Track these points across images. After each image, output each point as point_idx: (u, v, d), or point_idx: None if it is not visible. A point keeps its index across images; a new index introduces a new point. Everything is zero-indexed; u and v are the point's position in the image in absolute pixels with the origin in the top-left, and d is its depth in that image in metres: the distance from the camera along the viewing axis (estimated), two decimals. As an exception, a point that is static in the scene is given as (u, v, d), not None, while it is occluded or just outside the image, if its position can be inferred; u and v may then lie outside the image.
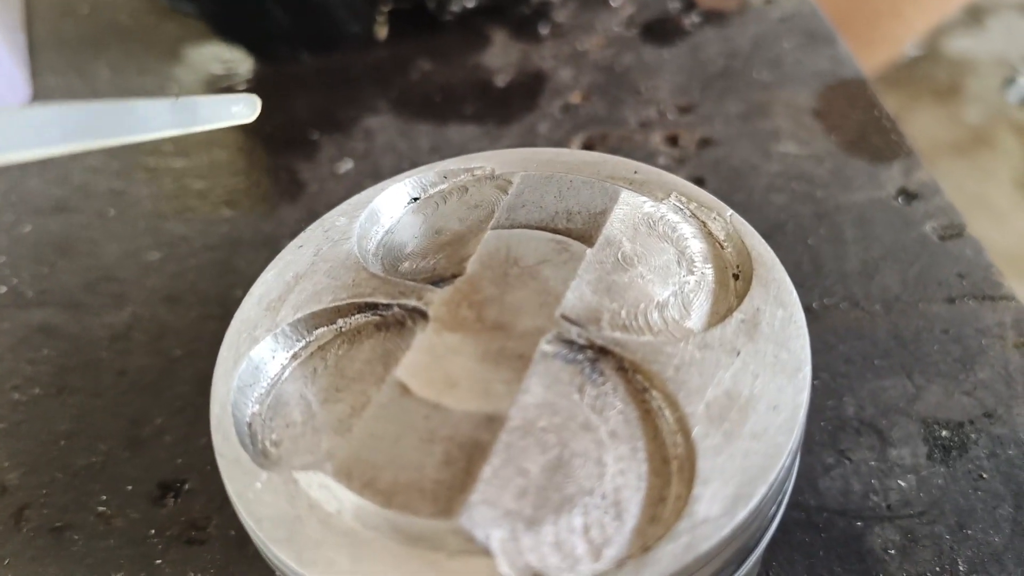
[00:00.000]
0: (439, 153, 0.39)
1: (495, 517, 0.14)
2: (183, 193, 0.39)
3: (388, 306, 0.19)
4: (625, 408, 0.16)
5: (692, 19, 0.45)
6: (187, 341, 0.31)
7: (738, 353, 0.16)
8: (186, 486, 0.27)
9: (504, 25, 0.47)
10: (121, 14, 0.53)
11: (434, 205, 0.22)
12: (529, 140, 0.39)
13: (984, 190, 1.17)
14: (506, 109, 0.41)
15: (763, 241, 0.19)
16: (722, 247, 0.19)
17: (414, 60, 0.45)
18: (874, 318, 0.29)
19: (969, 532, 0.24)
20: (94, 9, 0.54)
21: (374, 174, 0.38)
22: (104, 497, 0.27)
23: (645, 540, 0.14)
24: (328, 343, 0.19)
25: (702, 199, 0.20)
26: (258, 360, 0.18)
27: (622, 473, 0.15)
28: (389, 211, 0.22)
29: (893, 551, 0.23)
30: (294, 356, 0.19)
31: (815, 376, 0.28)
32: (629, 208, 0.20)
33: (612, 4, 0.47)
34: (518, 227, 0.19)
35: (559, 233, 0.19)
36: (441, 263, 0.20)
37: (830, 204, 0.34)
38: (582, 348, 0.17)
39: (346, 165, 0.39)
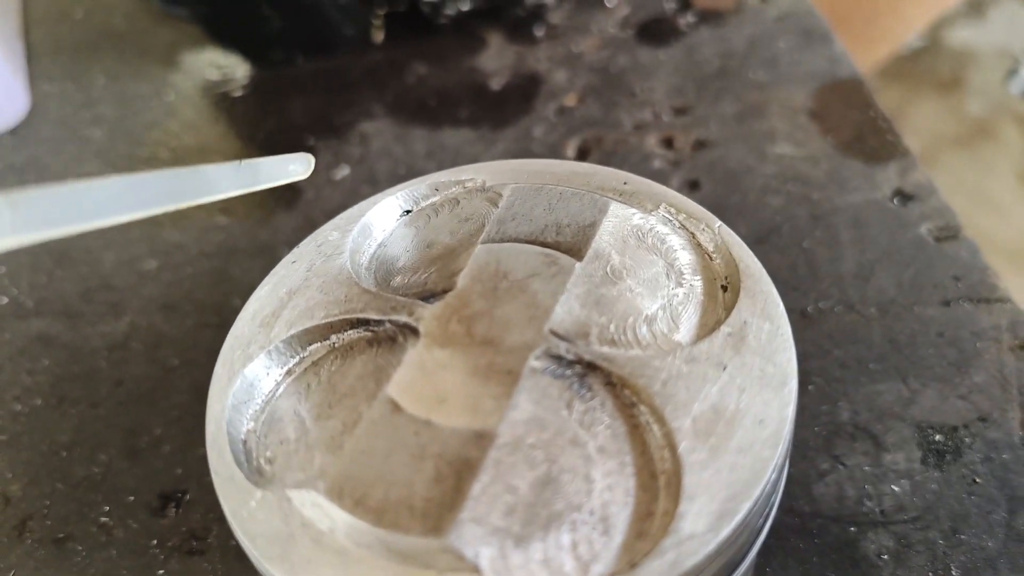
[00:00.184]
0: (434, 158, 0.39)
1: (484, 535, 0.14)
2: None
3: (380, 322, 0.19)
4: (613, 423, 0.16)
5: (688, 19, 0.45)
6: (184, 350, 0.31)
7: (725, 367, 0.16)
8: (186, 496, 0.27)
9: (499, 28, 0.47)
10: (116, 18, 0.53)
11: (426, 218, 0.22)
12: (524, 143, 0.39)
13: (986, 183, 1.17)
14: (501, 112, 0.41)
15: (751, 253, 0.19)
16: (711, 258, 0.20)
17: (409, 63, 0.45)
18: (869, 322, 0.29)
19: (963, 537, 0.24)
20: (89, 14, 0.54)
21: (370, 180, 0.38)
22: (105, 508, 0.27)
23: (632, 556, 0.14)
24: (321, 359, 0.19)
25: (691, 210, 0.20)
26: (252, 377, 0.18)
27: (610, 489, 0.15)
28: (382, 225, 0.22)
29: (887, 557, 0.23)
30: (288, 372, 0.19)
31: (810, 381, 0.28)
32: (618, 220, 0.20)
33: (607, 5, 0.47)
34: (508, 240, 0.19)
35: (548, 246, 0.19)
36: (432, 277, 0.20)
37: (826, 206, 0.34)
38: (570, 363, 0.17)
39: (342, 171, 0.39)
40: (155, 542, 0.26)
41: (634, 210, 0.20)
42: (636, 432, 0.16)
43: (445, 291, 0.19)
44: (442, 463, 0.15)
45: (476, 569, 0.14)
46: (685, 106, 0.40)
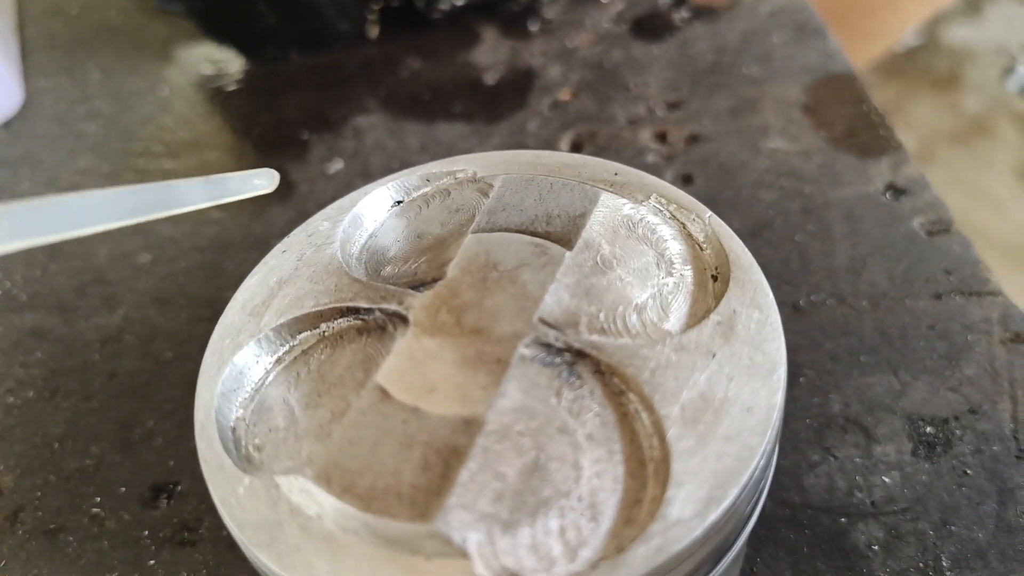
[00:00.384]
0: (428, 152, 0.39)
1: (472, 520, 0.14)
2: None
3: (369, 310, 0.19)
4: (602, 411, 0.16)
5: (682, 14, 0.45)
6: (177, 343, 0.31)
7: (713, 355, 0.16)
8: (178, 488, 0.27)
9: (494, 22, 0.47)
10: (110, 13, 0.53)
11: (417, 209, 0.22)
12: (518, 138, 0.39)
13: (983, 180, 1.17)
14: (495, 107, 0.41)
15: (741, 243, 0.19)
16: (701, 249, 0.20)
17: (404, 58, 0.45)
18: (861, 314, 0.29)
19: (953, 528, 0.24)
20: (84, 9, 0.54)
21: (364, 174, 0.38)
22: (97, 499, 0.27)
23: (620, 542, 0.14)
24: (311, 348, 0.19)
25: (682, 201, 0.20)
26: (242, 365, 0.18)
27: (598, 476, 0.15)
28: (372, 215, 0.22)
29: (877, 548, 0.23)
30: (278, 361, 0.19)
31: (801, 373, 0.28)
32: (609, 210, 0.20)
33: (602, 0, 0.47)
34: (498, 231, 0.19)
35: (539, 236, 0.19)
36: (423, 267, 0.20)
37: (818, 200, 0.34)
38: (560, 351, 0.17)
39: (336, 165, 0.39)
40: (147, 533, 0.26)
41: (625, 200, 0.20)
42: (625, 420, 0.16)
43: (435, 281, 0.19)
44: (430, 450, 0.15)
45: (464, 554, 0.14)
46: (679, 101, 0.40)
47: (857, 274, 0.31)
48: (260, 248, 0.36)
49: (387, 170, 0.39)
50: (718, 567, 0.16)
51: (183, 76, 0.47)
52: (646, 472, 0.15)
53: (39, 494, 0.27)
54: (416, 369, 0.17)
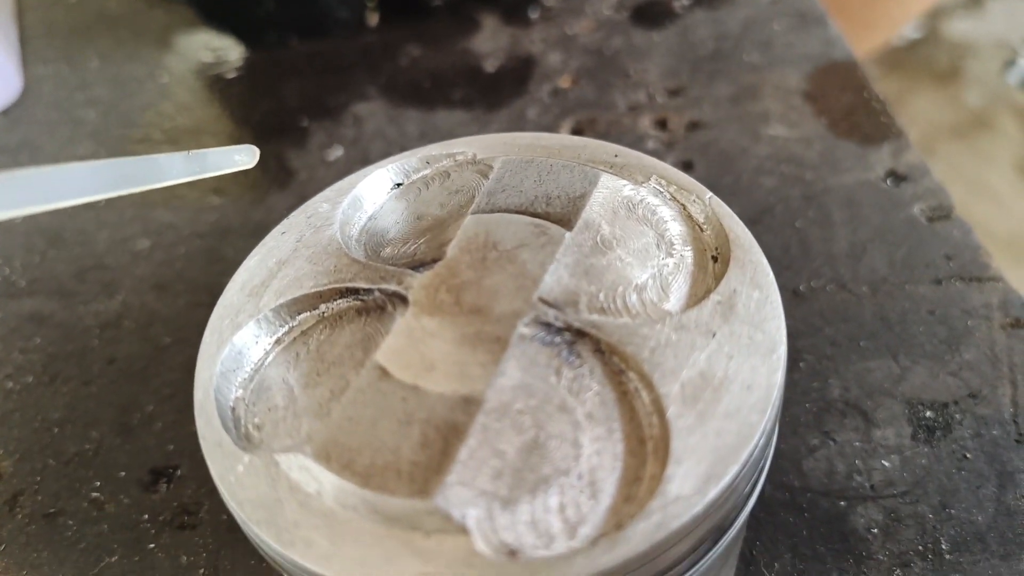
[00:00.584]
0: (428, 139, 0.39)
1: (471, 497, 0.14)
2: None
3: (369, 291, 0.19)
4: (602, 390, 0.16)
5: (682, 1, 0.45)
6: (176, 329, 0.31)
7: (714, 334, 0.16)
8: (178, 472, 0.27)
9: (494, 10, 0.46)
10: (110, 1, 0.53)
11: (416, 191, 0.22)
12: (518, 125, 0.39)
13: (984, 174, 1.17)
14: (495, 94, 0.41)
15: (741, 223, 0.19)
16: (701, 230, 0.20)
17: (403, 45, 0.45)
18: (861, 300, 0.29)
19: (952, 512, 0.24)
20: (83, -3, 0.54)
21: (364, 161, 0.38)
22: (97, 483, 0.27)
23: (619, 519, 0.14)
24: (310, 328, 0.19)
25: (682, 182, 0.20)
26: (241, 345, 0.18)
27: (598, 454, 0.15)
28: (372, 197, 0.22)
29: (876, 530, 0.24)
30: (277, 341, 0.19)
31: (801, 358, 0.28)
32: (609, 191, 0.20)
33: (603, -13, 0.47)
34: (498, 212, 0.19)
35: (538, 217, 0.19)
36: (422, 248, 0.20)
37: (819, 186, 0.34)
38: (559, 331, 0.17)
39: (336, 152, 0.39)
40: (146, 517, 0.26)
41: (625, 182, 0.20)
42: (625, 398, 0.16)
43: (435, 261, 0.19)
44: (429, 428, 0.15)
45: (463, 530, 0.14)
46: (679, 88, 0.40)
47: (857, 260, 0.31)
48: (259, 234, 0.36)
49: (387, 157, 0.39)
50: (717, 546, 0.16)
51: (182, 63, 0.47)
52: (646, 450, 0.15)
53: (39, 478, 0.27)
54: (415, 348, 0.17)
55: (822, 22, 0.42)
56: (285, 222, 0.21)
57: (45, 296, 0.34)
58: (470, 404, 0.16)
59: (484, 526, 0.14)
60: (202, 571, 0.24)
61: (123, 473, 0.27)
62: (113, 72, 0.47)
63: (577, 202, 0.20)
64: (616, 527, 0.14)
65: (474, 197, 0.20)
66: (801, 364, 0.27)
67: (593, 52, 0.43)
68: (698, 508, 0.14)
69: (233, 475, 0.16)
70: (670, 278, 0.18)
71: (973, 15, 1.42)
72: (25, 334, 0.32)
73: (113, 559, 0.25)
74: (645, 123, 0.38)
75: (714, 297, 0.17)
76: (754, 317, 0.17)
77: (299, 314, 0.19)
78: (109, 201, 0.38)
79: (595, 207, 0.20)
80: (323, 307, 0.19)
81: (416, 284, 0.18)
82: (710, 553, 0.16)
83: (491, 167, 0.21)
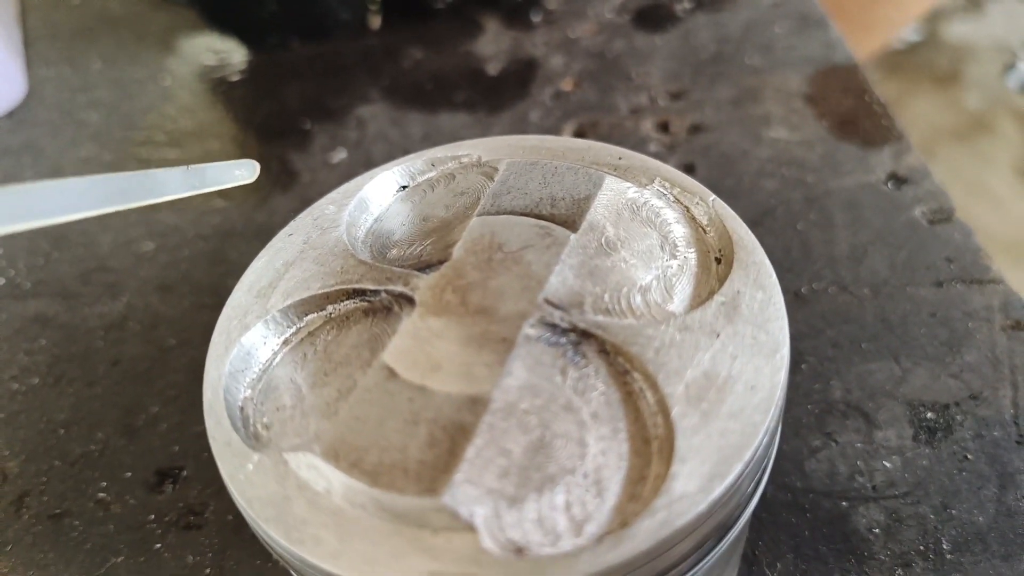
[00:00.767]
0: (431, 141, 0.39)
1: (478, 495, 0.15)
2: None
3: (376, 292, 0.19)
4: (607, 390, 0.16)
5: (684, 5, 0.45)
6: (180, 330, 0.31)
7: (718, 335, 0.17)
8: (183, 473, 0.27)
9: (496, 13, 0.47)
10: (112, 3, 0.53)
11: (422, 193, 0.22)
12: (520, 128, 0.39)
13: (983, 176, 1.17)
14: (498, 97, 0.41)
15: (744, 225, 0.19)
16: (705, 231, 0.20)
17: (406, 48, 0.45)
18: (862, 302, 0.30)
19: (953, 512, 0.24)
20: None
21: (367, 163, 0.38)
22: (103, 484, 0.27)
23: (625, 517, 0.14)
24: (318, 329, 0.19)
25: (685, 184, 0.20)
26: (249, 346, 0.18)
27: (603, 453, 0.16)
28: (378, 199, 0.22)
29: (878, 531, 0.24)
30: (285, 342, 0.19)
31: (803, 360, 0.28)
32: (613, 194, 0.20)
33: (604, -9, 0.47)
34: (503, 214, 0.20)
35: (543, 219, 0.19)
36: (428, 250, 0.20)
37: (820, 189, 0.34)
38: (565, 331, 0.17)
39: (339, 154, 0.39)
40: (152, 517, 0.26)
41: (629, 184, 0.20)
42: (629, 399, 0.16)
43: (440, 262, 0.19)
44: (436, 428, 0.16)
45: (470, 528, 0.14)
46: (681, 91, 0.40)
47: (858, 262, 0.31)
48: (263, 237, 0.36)
49: (390, 159, 0.39)
50: (721, 544, 0.16)
51: (185, 66, 0.47)
52: (650, 450, 0.16)
53: (44, 479, 0.27)
54: (422, 348, 0.17)
55: (823, 25, 0.42)
56: (292, 224, 0.21)
57: (50, 298, 0.34)
58: (476, 404, 0.16)
59: (491, 524, 0.14)
60: (208, 571, 0.24)
61: (129, 474, 0.27)
62: (116, 74, 0.47)
63: (582, 204, 0.20)
64: (621, 525, 0.14)
65: (479, 199, 0.21)
66: (803, 366, 0.28)
67: (595, 55, 0.43)
68: (702, 506, 0.14)
69: (242, 474, 0.16)
70: (674, 279, 0.19)
71: (972, 18, 1.43)
72: (30, 336, 0.32)
73: (119, 559, 0.25)
74: (647, 126, 0.38)
75: (718, 298, 0.17)
76: (757, 318, 0.17)
77: (306, 315, 0.19)
78: (113, 203, 0.38)
79: (599, 209, 0.20)
80: (330, 308, 0.19)
81: (422, 285, 0.18)
82: (713, 551, 0.16)
83: (496, 169, 0.21)
